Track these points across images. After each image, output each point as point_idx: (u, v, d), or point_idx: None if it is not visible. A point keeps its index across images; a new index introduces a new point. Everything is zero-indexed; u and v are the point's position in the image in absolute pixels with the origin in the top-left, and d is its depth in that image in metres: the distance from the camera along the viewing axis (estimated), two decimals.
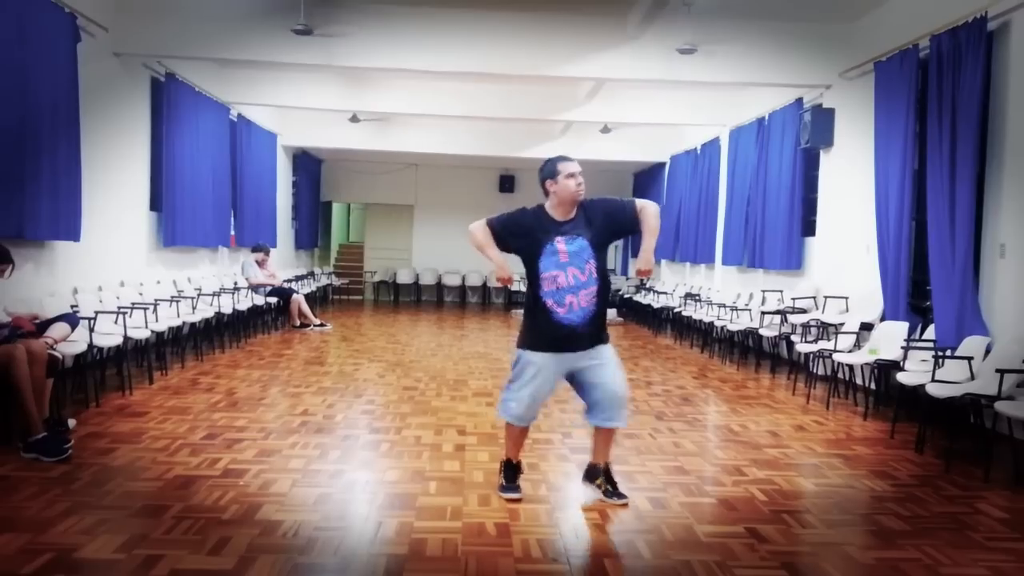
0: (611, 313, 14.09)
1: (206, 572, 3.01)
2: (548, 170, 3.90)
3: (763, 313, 8.65)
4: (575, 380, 3.94)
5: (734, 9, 7.84)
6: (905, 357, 5.80)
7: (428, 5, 7.82)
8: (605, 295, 3.88)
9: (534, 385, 3.86)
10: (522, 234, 3.88)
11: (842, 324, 7.19)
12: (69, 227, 6.55)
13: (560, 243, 3.81)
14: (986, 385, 4.84)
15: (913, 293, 6.75)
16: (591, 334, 3.84)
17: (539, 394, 3.90)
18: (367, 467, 4.54)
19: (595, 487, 4.04)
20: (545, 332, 3.84)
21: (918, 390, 5.31)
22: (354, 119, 13.07)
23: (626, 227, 3.95)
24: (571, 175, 3.87)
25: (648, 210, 3.87)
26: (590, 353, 3.86)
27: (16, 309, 5.23)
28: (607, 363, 3.89)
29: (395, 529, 3.52)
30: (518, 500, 3.92)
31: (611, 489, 4.00)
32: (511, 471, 4.05)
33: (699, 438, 5.45)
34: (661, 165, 14.53)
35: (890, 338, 6.34)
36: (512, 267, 3.90)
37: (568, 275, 3.79)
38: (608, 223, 3.89)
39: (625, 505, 3.92)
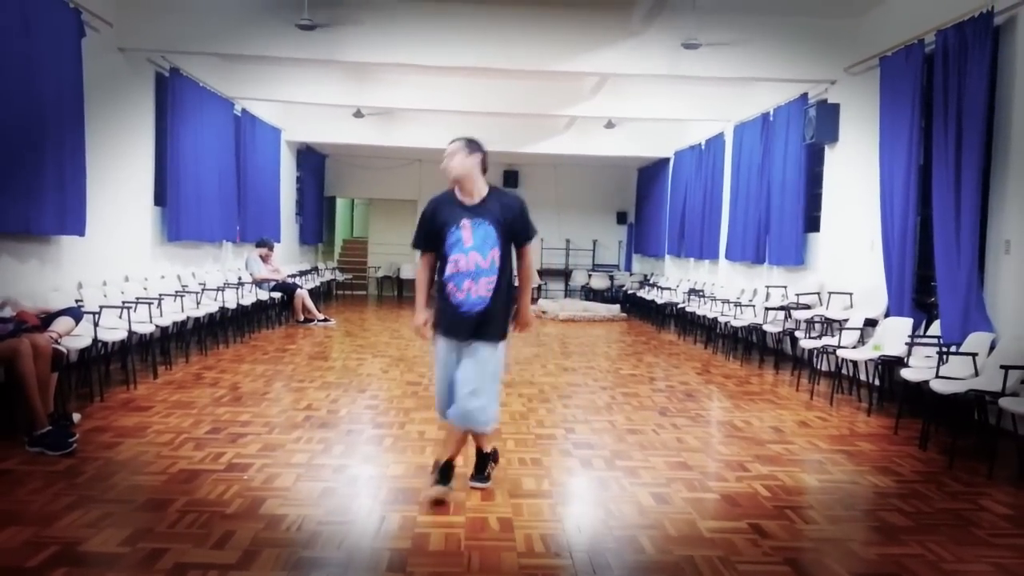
0: (614, 308, 14.08)
1: (210, 566, 3.02)
2: None
3: (767, 309, 8.64)
4: None
5: (738, 4, 7.82)
6: (909, 353, 5.79)
7: (432, 0, 7.81)
8: (505, 291, 3.79)
9: (440, 373, 3.82)
10: (433, 228, 3.82)
11: (846, 320, 7.17)
12: (74, 222, 6.55)
13: (465, 227, 3.74)
14: (990, 381, 4.83)
15: (917, 289, 6.73)
16: (477, 325, 3.73)
17: (447, 387, 3.79)
18: (370, 462, 4.55)
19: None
20: (444, 315, 3.80)
21: (922, 386, 5.30)
22: (358, 114, 13.06)
23: (514, 238, 3.85)
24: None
25: (529, 257, 3.91)
26: (469, 346, 3.75)
27: (21, 303, 5.25)
28: (473, 360, 3.72)
29: (398, 523, 3.53)
30: (440, 503, 3.75)
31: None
32: (446, 471, 3.84)
33: (702, 434, 5.44)
34: (665, 160, 14.51)
35: (894, 334, 6.32)
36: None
37: (469, 259, 3.71)
38: (515, 224, 3.81)
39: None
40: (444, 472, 3.84)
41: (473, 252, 3.72)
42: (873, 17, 7.59)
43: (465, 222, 3.75)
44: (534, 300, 15.68)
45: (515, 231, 3.81)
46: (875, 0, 7.40)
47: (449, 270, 3.76)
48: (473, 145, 3.85)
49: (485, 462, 4.06)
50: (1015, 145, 5.61)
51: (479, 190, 3.84)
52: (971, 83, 5.72)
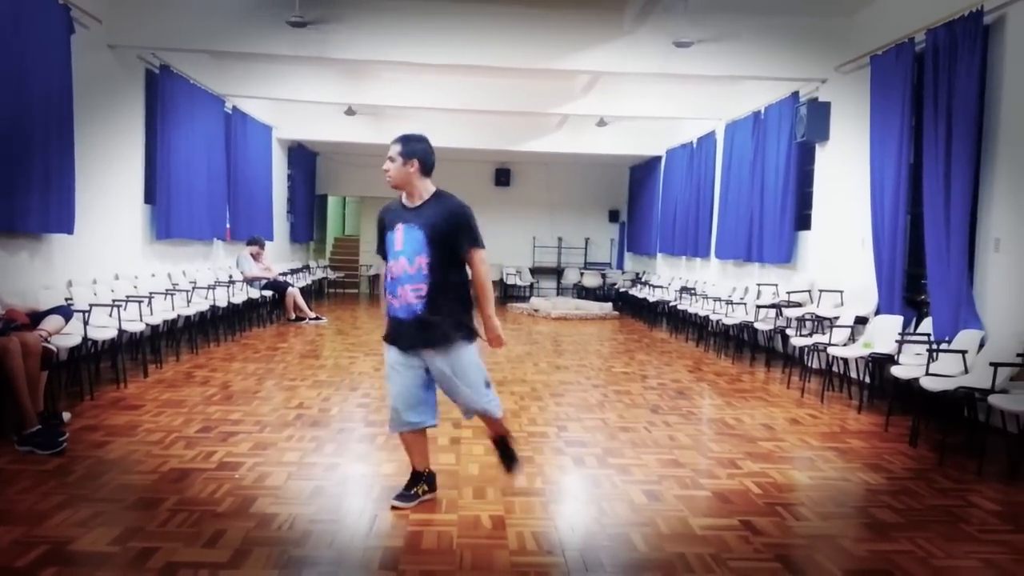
0: (606, 306, 14.10)
1: (201, 565, 3.01)
2: None
3: (758, 307, 8.66)
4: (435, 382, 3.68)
5: (730, 3, 7.83)
6: (899, 351, 5.82)
7: None
8: (446, 299, 3.54)
9: (394, 383, 3.65)
10: (381, 234, 3.71)
11: (837, 318, 7.20)
12: (62, 219, 6.51)
13: (399, 231, 3.57)
14: (980, 379, 4.85)
15: (908, 287, 6.76)
16: (419, 334, 3.54)
17: (405, 392, 3.62)
18: (362, 460, 4.54)
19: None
20: (388, 325, 3.68)
21: (912, 384, 5.33)
22: (349, 112, 13.02)
23: (455, 247, 3.57)
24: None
25: (480, 268, 3.57)
26: (430, 358, 3.58)
27: (11, 302, 5.22)
28: (453, 376, 3.58)
29: (390, 522, 3.53)
30: (402, 509, 3.66)
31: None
32: (416, 480, 3.80)
33: (694, 431, 5.46)
34: (657, 158, 14.53)
35: (884, 332, 6.36)
36: None
37: (399, 264, 3.55)
38: (449, 230, 3.53)
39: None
40: (428, 481, 3.84)
41: (402, 257, 3.54)
42: (864, 16, 7.62)
43: (399, 226, 3.57)
44: (525, 299, 15.69)
45: (456, 239, 3.53)
46: None
47: (387, 277, 3.64)
48: (409, 149, 3.59)
49: (508, 446, 3.87)
50: (1004, 143, 5.64)
51: (420, 193, 3.62)
52: (961, 82, 5.74)
